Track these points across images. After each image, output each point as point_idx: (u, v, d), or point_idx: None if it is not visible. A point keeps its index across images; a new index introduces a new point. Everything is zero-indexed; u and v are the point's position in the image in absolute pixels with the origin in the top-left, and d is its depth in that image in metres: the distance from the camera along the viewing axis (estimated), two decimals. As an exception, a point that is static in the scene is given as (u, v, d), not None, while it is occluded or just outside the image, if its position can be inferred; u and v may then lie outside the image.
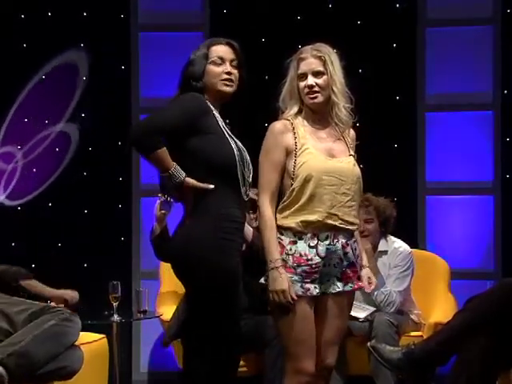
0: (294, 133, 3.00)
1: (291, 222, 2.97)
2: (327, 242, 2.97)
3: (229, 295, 2.95)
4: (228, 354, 2.99)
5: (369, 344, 3.63)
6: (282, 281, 2.91)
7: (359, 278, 3.06)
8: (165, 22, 5.25)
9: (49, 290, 3.42)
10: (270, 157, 2.99)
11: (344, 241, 3.00)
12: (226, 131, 3.02)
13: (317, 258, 2.96)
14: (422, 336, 4.10)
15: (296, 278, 2.95)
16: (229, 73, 3.07)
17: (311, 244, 2.96)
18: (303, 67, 3.01)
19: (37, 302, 3.30)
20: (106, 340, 3.72)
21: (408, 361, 3.43)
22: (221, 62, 3.08)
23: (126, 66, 5.29)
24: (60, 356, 3.14)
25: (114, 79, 5.24)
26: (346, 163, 3.01)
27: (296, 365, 2.97)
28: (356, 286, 3.05)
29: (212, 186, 2.90)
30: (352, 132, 3.14)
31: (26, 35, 5.28)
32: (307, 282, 2.95)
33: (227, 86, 3.06)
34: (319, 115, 3.05)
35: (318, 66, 3.00)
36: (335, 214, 2.97)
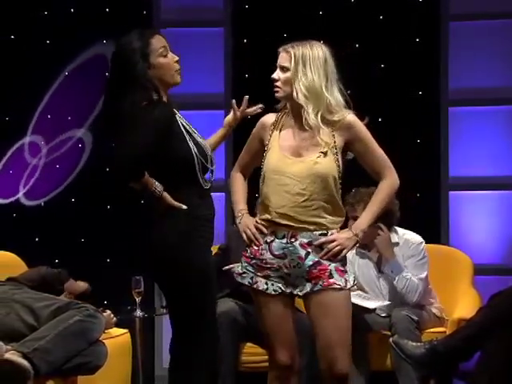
0: (272, 129, 2.99)
1: (258, 217, 3.00)
2: (284, 241, 2.92)
3: (205, 292, 2.90)
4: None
5: (391, 340, 3.63)
6: (248, 221, 2.96)
7: (331, 276, 2.90)
8: (186, 18, 5.25)
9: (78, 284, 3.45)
10: (249, 141, 3.09)
11: (304, 240, 2.91)
12: (185, 128, 2.92)
13: (268, 254, 2.92)
14: (445, 332, 4.08)
15: (250, 268, 2.95)
16: (178, 61, 2.96)
17: (267, 240, 2.94)
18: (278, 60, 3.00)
19: (62, 298, 3.34)
20: (129, 335, 3.75)
21: (431, 357, 3.42)
22: (166, 52, 2.94)
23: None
24: (84, 351, 3.17)
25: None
26: (306, 162, 2.91)
27: (270, 357, 3.00)
28: (325, 284, 2.89)
29: (185, 207, 2.85)
30: (346, 120, 2.93)
31: (49, 32, 5.31)
32: (258, 276, 2.93)
33: (179, 75, 2.98)
34: (295, 111, 2.96)
35: (285, 61, 2.95)
36: (286, 214, 2.90)
